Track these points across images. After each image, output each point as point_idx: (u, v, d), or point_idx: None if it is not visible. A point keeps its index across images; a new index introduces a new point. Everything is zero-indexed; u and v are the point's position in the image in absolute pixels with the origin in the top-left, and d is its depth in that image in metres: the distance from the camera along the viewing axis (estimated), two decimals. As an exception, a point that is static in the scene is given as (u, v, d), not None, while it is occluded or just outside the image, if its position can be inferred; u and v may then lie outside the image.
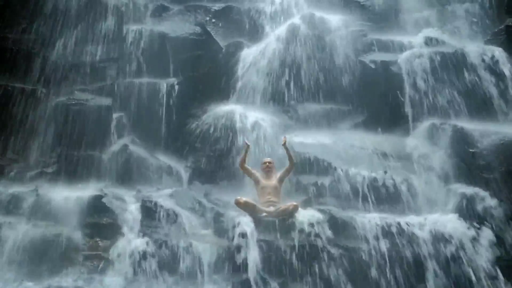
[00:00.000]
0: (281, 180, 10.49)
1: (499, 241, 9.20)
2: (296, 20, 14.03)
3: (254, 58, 13.48)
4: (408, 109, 12.33)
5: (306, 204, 10.16)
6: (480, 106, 11.92)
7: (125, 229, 9.79)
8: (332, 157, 11.16)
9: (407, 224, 9.40)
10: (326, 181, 10.72)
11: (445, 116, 11.83)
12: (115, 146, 12.03)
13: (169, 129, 12.86)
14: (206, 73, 13.50)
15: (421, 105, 12.25)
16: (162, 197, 10.52)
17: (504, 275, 8.82)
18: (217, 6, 14.96)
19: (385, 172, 10.69)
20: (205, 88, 13.19)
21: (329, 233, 9.25)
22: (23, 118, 12.22)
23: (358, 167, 10.89)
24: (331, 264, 8.93)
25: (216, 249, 9.29)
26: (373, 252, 9.06)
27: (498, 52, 12.54)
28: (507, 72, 12.20)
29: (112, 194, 10.52)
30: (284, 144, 10.61)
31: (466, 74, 12.34)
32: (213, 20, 14.65)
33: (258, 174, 10.61)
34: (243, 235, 9.21)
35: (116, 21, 14.23)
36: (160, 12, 15.06)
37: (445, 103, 12.12)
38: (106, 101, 12.67)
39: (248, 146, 10.73)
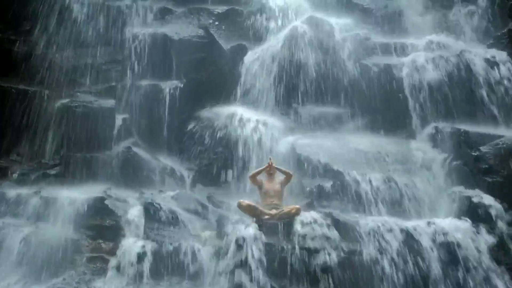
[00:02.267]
0: (283, 184, 10.49)
1: (502, 244, 9.20)
2: (299, 23, 14.07)
3: (257, 61, 13.50)
4: (411, 113, 12.36)
5: (309, 207, 10.15)
6: (483, 110, 11.95)
7: (128, 231, 9.78)
8: (335, 160, 11.17)
9: (410, 227, 9.37)
10: (328, 184, 10.73)
11: (448, 120, 11.85)
12: (118, 148, 12.04)
13: (172, 131, 12.88)
14: (209, 75, 13.52)
15: (424, 109, 12.30)
16: (165, 199, 10.54)
17: (507, 277, 8.83)
18: (220, 9, 14.98)
19: (390, 181, 10.69)
20: (208, 90, 13.21)
21: (331, 236, 9.22)
22: (26, 120, 12.26)
23: (361, 170, 10.90)
24: (334, 267, 8.91)
25: (219, 251, 9.29)
26: (376, 255, 9.05)
27: (501, 56, 12.56)
28: (510, 76, 12.21)
29: (115, 196, 10.51)
30: (272, 167, 10.53)
31: (469, 78, 12.35)
32: (216, 23, 14.66)
33: (261, 178, 10.63)
34: (246, 237, 9.19)
35: (119, 23, 14.28)
36: (163, 14, 15.08)
37: (448, 107, 12.15)
38: (109, 103, 12.68)
39: (268, 166, 10.60)
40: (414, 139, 11.96)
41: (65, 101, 12.53)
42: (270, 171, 10.53)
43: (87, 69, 13.56)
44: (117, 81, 13.43)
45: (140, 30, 14.23)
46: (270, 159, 10.61)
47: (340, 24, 14.16)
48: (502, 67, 12.43)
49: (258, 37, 14.58)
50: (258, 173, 10.53)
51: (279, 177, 10.54)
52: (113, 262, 9.19)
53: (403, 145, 11.82)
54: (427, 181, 10.80)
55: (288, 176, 10.47)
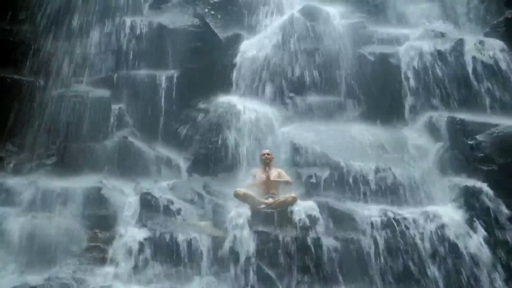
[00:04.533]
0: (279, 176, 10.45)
1: (497, 232, 9.23)
2: (295, 12, 14.01)
3: (253, 50, 13.46)
4: (407, 101, 12.37)
5: (305, 195, 10.17)
6: (479, 98, 11.94)
7: (124, 221, 9.81)
8: (331, 149, 11.17)
9: (405, 216, 9.41)
10: (324, 173, 10.74)
11: (443, 108, 11.87)
12: (114, 138, 12.02)
13: (168, 121, 12.86)
14: (205, 65, 13.48)
15: (420, 97, 12.30)
16: (161, 189, 10.54)
17: (501, 266, 8.87)
18: (216, -2, 14.95)
19: (386, 170, 10.69)
20: (204, 80, 13.18)
21: (327, 224, 9.26)
22: (21, 110, 12.21)
23: (357, 159, 10.91)
24: (329, 255, 8.96)
25: (215, 240, 9.31)
26: (371, 243, 9.09)
27: (497, 44, 12.53)
28: (506, 64, 12.20)
29: (111, 186, 10.54)
30: (269, 179, 10.36)
31: (465, 66, 12.34)
32: (212, 12, 14.62)
33: (256, 170, 10.61)
34: (242, 226, 9.23)
35: (115, 12, 14.21)
36: (158, 3, 15.03)
37: (444, 95, 12.15)
38: (105, 93, 12.66)
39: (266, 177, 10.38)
40: (410, 127, 11.97)
41: (60, 91, 12.51)
42: (266, 161, 10.53)
43: (83, 59, 13.50)
44: (113, 70, 13.39)
45: (135, 19, 14.16)
46: (267, 172, 10.42)
47: (336, 13, 14.12)
48: (498, 56, 12.41)
49: (254, 26, 14.55)
50: (253, 186, 10.38)
51: (277, 168, 10.55)
52: (109, 251, 9.21)
53: (399, 134, 11.83)
54: (422, 170, 10.81)
55: (288, 185, 10.36)
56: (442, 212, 9.45)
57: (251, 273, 8.81)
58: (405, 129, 11.96)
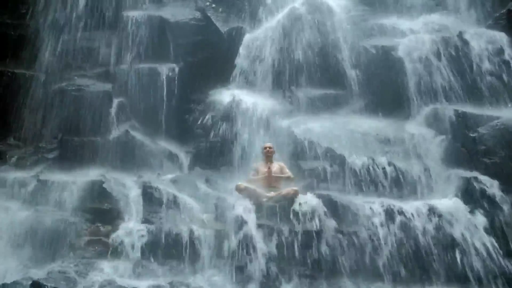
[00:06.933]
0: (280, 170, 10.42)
1: (499, 225, 9.23)
2: (297, 4, 13.97)
3: (254, 43, 13.44)
4: (409, 94, 12.34)
5: (307, 189, 10.14)
6: (481, 91, 11.92)
7: (126, 215, 9.81)
8: (333, 142, 11.17)
9: (407, 209, 9.40)
10: (326, 166, 10.72)
11: (445, 101, 11.84)
12: (116, 131, 12.04)
13: (169, 114, 12.84)
14: (207, 58, 13.47)
15: (422, 90, 12.27)
16: (163, 182, 10.54)
17: (502, 257, 8.87)
18: (217, -9, 14.90)
19: (388, 163, 10.67)
20: (206, 73, 13.16)
21: (329, 218, 9.25)
22: (23, 104, 12.26)
23: (359, 152, 10.89)
24: (331, 248, 8.96)
25: (217, 234, 9.31)
26: (373, 237, 9.09)
27: (500, 37, 12.51)
28: (508, 57, 12.18)
29: (113, 179, 10.54)
30: (271, 174, 10.28)
31: (467, 59, 12.31)
32: (213, 5, 14.59)
33: (257, 164, 10.59)
34: (244, 220, 9.22)
35: (116, 6, 14.18)
36: (160, -3, 15.02)
37: (446, 88, 12.12)
38: (106, 86, 12.68)
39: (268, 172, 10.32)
40: (412, 120, 11.95)
41: (62, 84, 12.54)
42: (268, 154, 10.51)
43: (84, 52, 13.49)
44: (114, 64, 13.37)
45: (136, 13, 14.12)
46: (269, 168, 10.36)
47: (338, 6, 14.08)
48: (500, 48, 12.38)
49: (256, 19, 14.49)
50: (255, 181, 10.33)
51: (278, 161, 10.54)
52: (111, 245, 9.22)
53: (401, 127, 11.80)
54: (425, 162, 10.79)
55: (289, 180, 10.32)
56: (444, 205, 9.44)
57: (253, 266, 8.82)
58: (408, 122, 11.93)
